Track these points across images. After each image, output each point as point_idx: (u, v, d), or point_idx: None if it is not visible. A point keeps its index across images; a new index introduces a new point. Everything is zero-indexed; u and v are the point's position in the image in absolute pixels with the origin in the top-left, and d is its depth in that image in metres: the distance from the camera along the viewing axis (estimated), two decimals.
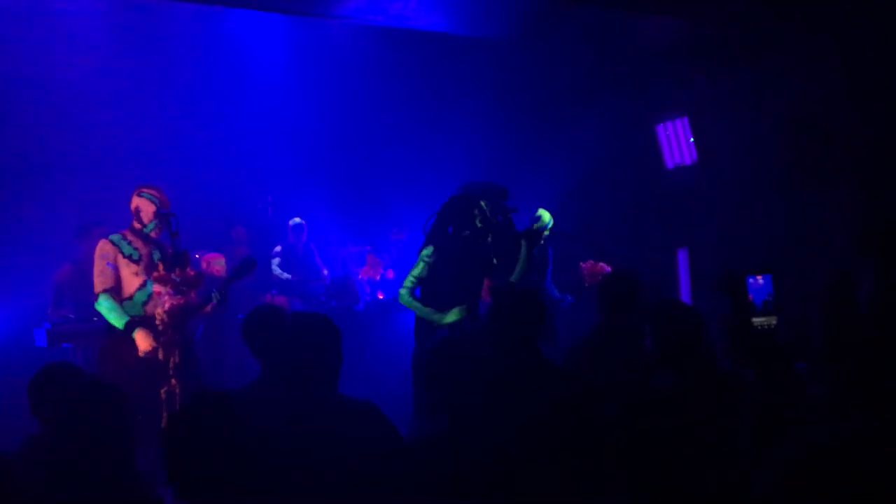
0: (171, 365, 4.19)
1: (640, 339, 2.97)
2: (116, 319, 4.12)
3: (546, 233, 5.74)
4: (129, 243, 4.26)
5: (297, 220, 7.04)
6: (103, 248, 4.21)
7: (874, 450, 2.16)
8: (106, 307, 4.14)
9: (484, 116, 7.79)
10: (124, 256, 4.22)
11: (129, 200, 4.36)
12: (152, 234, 4.30)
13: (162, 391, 4.13)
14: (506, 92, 7.73)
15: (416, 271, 4.56)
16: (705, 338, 2.72)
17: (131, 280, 4.23)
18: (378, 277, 7.12)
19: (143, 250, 4.28)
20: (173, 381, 4.18)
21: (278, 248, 6.92)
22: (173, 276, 4.18)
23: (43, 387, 2.82)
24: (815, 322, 3.15)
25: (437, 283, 4.50)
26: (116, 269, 4.20)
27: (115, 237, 4.26)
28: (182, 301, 4.20)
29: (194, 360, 4.37)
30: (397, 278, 7.20)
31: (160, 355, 4.16)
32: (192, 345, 4.46)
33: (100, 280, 4.18)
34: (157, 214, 4.27)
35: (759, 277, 2.78)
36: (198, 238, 5.88)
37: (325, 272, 6.99)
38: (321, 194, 7.59)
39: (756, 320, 2.72)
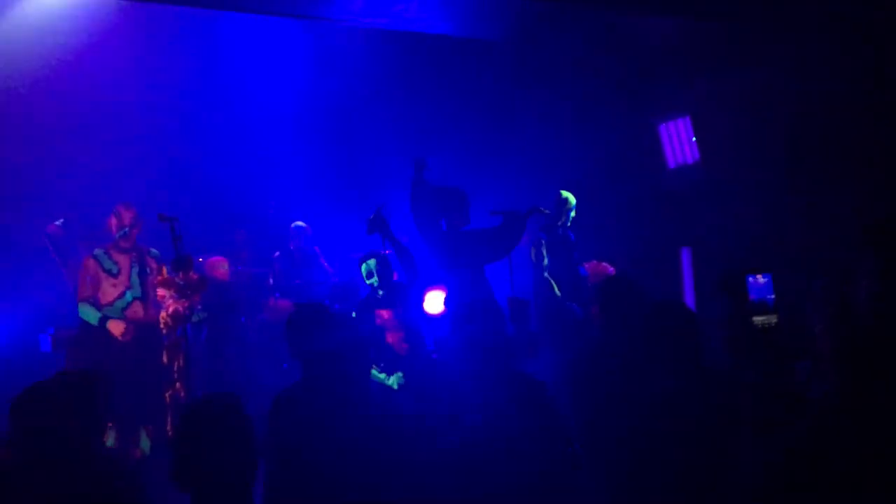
0: (175, 368, 4.26)
1: (641, 341, 2.97)
2: (93, 318, 4.76)
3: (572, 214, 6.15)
4: (110, 257, 4.85)
5: (299, 223, 7.04)
6: (86, 263, 4.84)
7: (873, 446, 2.16)
8: (83, 311, 4.80)
9: (486, 118, 7.80)
10: (104, 271, 4.81)
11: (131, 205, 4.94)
12: (122, 244, 4.84)
13: (167, 394, 4.25)
14: (508, 93, 7.74)
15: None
16: (699, 338, 2.71)
17: (110, 290, 4.82)
18: None
19: (124, 263, 4.85)
20: (178, 384, 4.25)
21: (277, 255, 6.91)
22: (177, 279, 4.22)
23: None
24: (816, 320, 3.16)
25: None
26: (97, 281, 4.79)
27: (98, 252, 4.86)
28: (186, 304, 4.24)
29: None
30: (401, 280, 7.16)
31: (164, 359, 4.27)
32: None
33: (80, 290, 4.83)
34: (133, 220, 4.80)
35: (759, 276, 2.77)
36: (201, 242, 5.91)
37: (331, 271, 6.98)
38: (325, 197, 7.60)
39: (756, 319, 2.71)
